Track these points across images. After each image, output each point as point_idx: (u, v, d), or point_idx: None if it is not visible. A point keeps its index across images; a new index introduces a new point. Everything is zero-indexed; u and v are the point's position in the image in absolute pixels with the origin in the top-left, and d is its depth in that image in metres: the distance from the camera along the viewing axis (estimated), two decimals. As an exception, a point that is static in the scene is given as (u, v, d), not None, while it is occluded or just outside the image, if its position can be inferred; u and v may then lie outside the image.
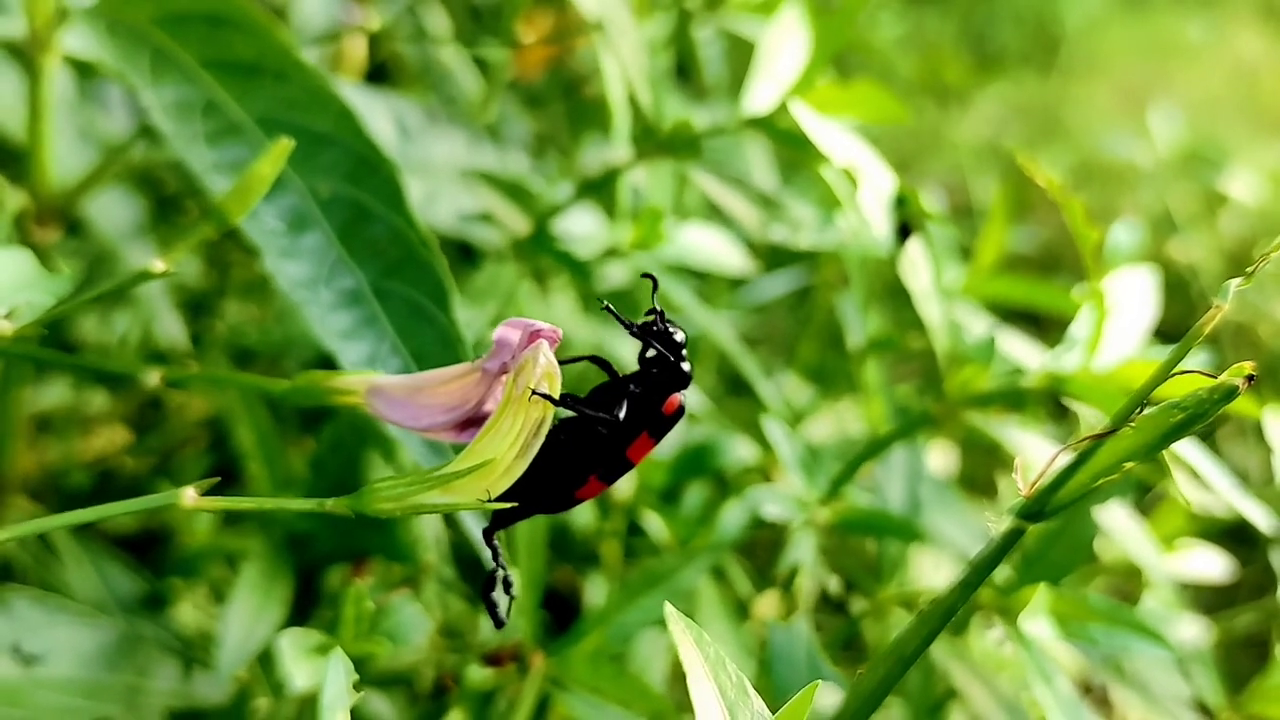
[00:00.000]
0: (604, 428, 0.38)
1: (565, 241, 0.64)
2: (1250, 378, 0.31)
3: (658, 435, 0.39)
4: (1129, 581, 0.91)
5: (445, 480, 0.35)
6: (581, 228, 0.70)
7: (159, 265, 0.41)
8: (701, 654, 0.36)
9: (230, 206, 0.41)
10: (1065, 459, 0.33)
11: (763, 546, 0.87)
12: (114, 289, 0.42)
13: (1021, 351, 0.69)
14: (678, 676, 0.79)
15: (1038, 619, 0.49)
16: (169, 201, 0.95)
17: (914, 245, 0.56)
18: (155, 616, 0.74)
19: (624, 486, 0.74)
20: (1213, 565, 0.78)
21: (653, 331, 0.38)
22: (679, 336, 0.38)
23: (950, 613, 0.34)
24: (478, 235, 0.64)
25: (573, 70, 1.24)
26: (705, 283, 1.12)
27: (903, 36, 2.62)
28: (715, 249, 0.68)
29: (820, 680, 0.35)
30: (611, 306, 0.39)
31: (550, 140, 1.02)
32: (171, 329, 0.87)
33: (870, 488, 0.64)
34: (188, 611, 0.78)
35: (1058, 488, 0.32)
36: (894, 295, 1.16)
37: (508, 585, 0.40)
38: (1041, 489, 0.33)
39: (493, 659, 0.62)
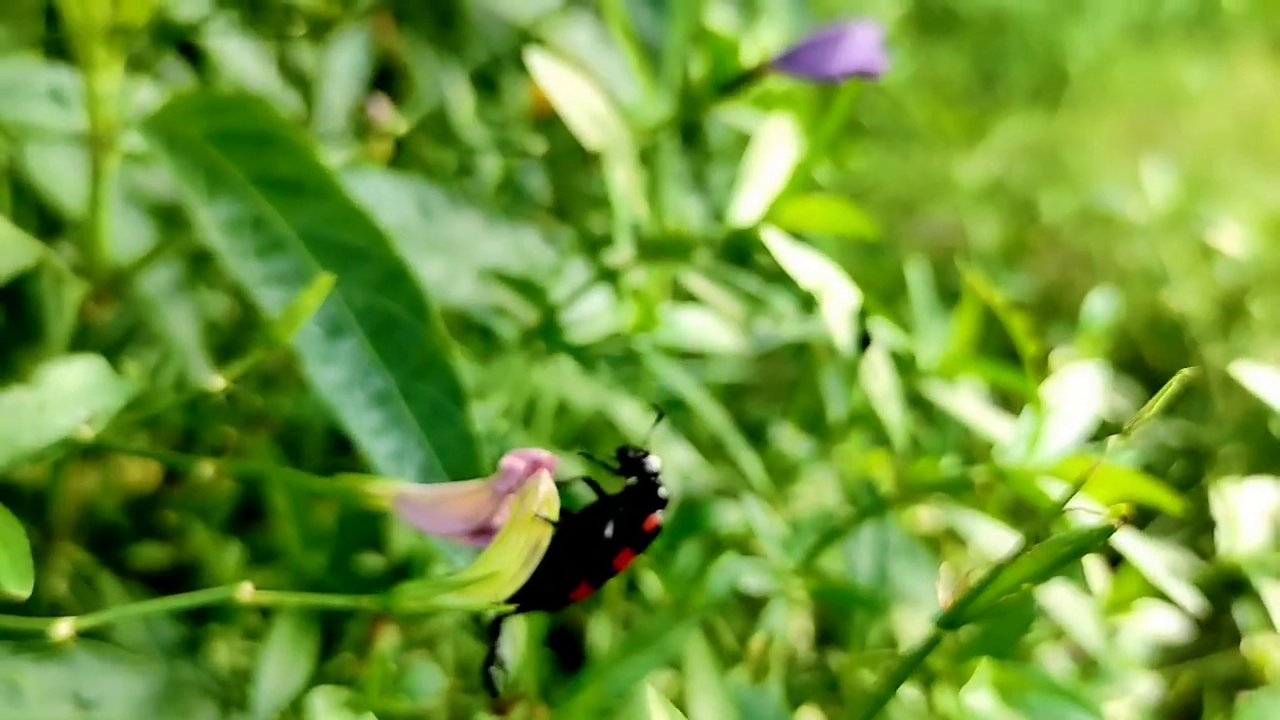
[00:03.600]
0: (593, 544, 0.45)
1: (571, 325, 0.71)
2: (1125, 518, 0.37)
3: (639, 549, 0.46)
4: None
5: (461, 585, 0.42)
6: (590, 307, 0.77)
7: (219, 383, 0.48)
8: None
9: (280, 331, 0.48)
10: (978, 574, 0.40)
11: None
12: (176, 403, 0.49)
13: (992, 426, 0.76)
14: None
15: (979, 692, 0.55)
16: (202, 258, 1.02)
17: (874, 352, 0.62)
18: (193, 657, 0.81)
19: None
20: (1170, 624, 0.84)
21: (632, 462, 0.45)
22: (655, 464, 0.45)
23: (881, 701, 0.41)
24: (491, 323, 0.71)
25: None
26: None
27: (914, 73, 2.67)
28: (708, 331, 0.75)
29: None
30: (590, 454, 0.46)
31: (565, 208, 1.09)
32: (203, 374, 0.94)
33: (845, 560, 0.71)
34: (222, 651, 0.85)
35: (969, 602, 0.39)
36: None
37: (503, 663, 0.47)
38: (957, 603, 0.40)
39: (499, 708, 0.69)
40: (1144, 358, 1.83)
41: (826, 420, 1.11)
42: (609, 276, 0.66)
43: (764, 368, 1.46)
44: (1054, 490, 0.62)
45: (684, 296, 0.79)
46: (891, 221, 2.06)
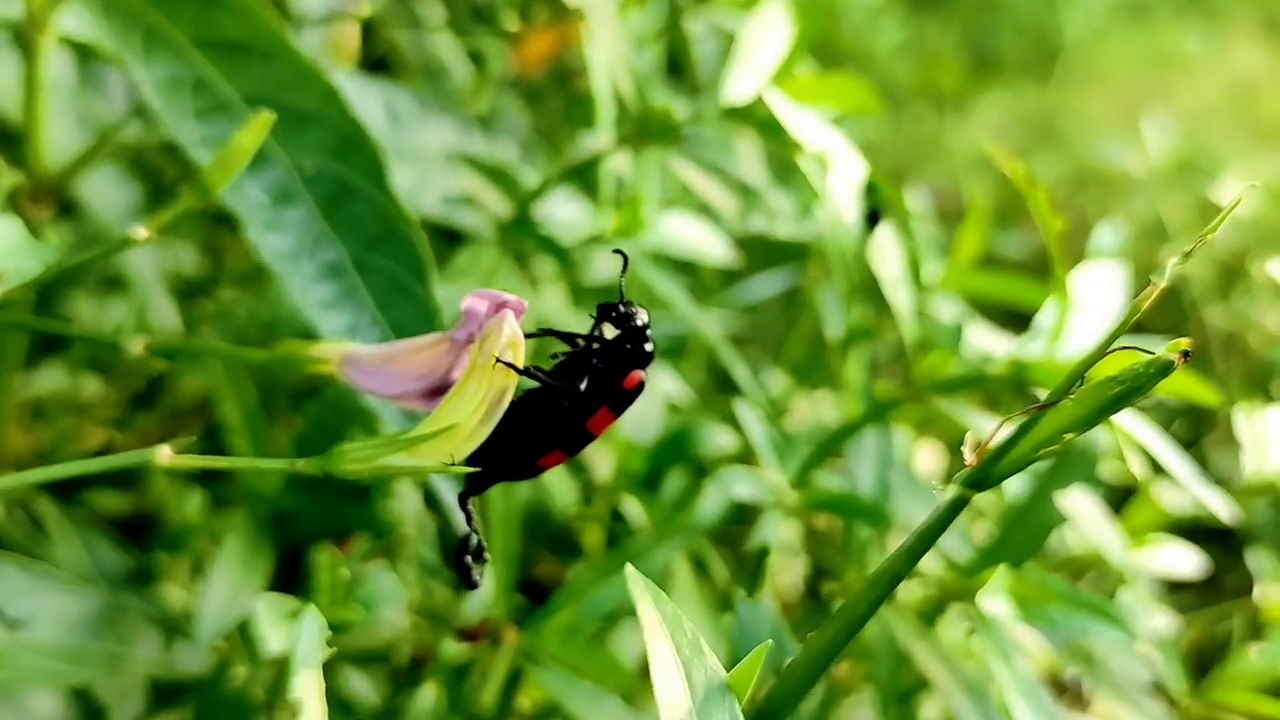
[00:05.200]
0: (565, 399, 0.39)
1: (547, 227, 0.66)
2: (1186, 354, 0.32)
3: (618, 410, 0.40)
4: (1105, 579, 0.92)
5: (411, 443, 0.36)
6: (564, 215, 0.71)
7: (142, 232, 0.43)
8: (660, 612, 0.37)
9: (214, 176, 0.43)
10: (1008, 431, 0.34)
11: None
12: (100, 256, 0.43)
13: (994, 344, 0.70)
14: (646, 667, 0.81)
15: (996, 598, 0.50)
16: (165, 189, 0.96)
17: (883, 232, 0.57)
18: (140, 591, 0.75)
19: (603, 470, 0.75)
20: (1184, 561, 0.79)
21: (615, 312, 0.39)
22: (642, 318, 0.40)
23: (897, 578, 0.35)
24: (462, 221, 0.65)
25: (570, 66, 1.25)
26: (695, 280, 1.13)
27: (903, 44, 2.63)
28: (697, 238, 0.70)
29: (781, 649, 0.36)
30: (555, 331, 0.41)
31: (546, 134, 1.04)
32: (165, 314, 0.89)
33: (845, 475, 0.66)
34: (175, 592, 0.79)
35: (1000, 458, 0.34)
36: (876, 294, 1.18)
37: (480, 551, 0.41)
38: (985, 459, 0.34)
39: (468, 634, 0.63)
40: (1142, 319, 1.78)
41: (818, 365, 1.06)
42: (587, 166, 0.60)
43: (754, 320, 1.42)
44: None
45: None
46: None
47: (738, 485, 0.58)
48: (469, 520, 0.40)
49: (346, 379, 0.41)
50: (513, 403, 0.37)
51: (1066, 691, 0.80)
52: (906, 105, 2.42)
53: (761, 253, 1.24)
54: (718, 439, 0.74)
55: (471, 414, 0.36)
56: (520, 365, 0.36)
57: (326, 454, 0.37)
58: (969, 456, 0.35)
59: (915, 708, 0.73)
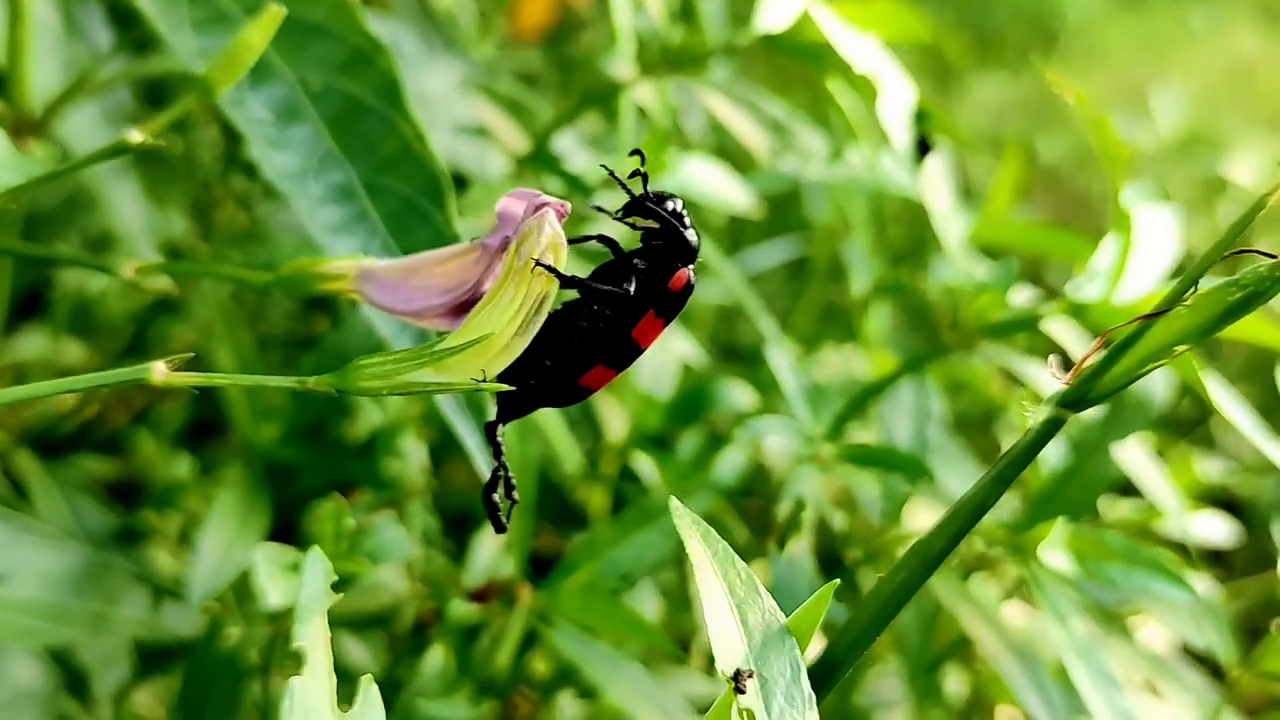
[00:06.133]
0: (609, 306, 0.35)
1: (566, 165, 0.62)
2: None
3: (667, 315, 0.36)
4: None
5: (438, 357, 0.32)
6: (578, 163, 0.67)
7: (136, 136, 0.39)
8: (710, 550, 0.33)
9: (216, 75, 0.39)
10: (1105, 349, 0.31)
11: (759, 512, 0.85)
12: (92, 161, 0.39)
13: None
14: (666, 627, 0.77)
15: (1056, 552, 0.46)
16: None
17: (933, 162, 0.53)
18: (127, 552, 0.71)
19: (617, 427, 0.71)
20: (1218, 529, 0.76)
21: (650, 202, 0.36)
22: (677, 205, 0.36)
23: (982, 509, 0.31)
24: (475, 165, 0.61)
25: (570, 28, 1.21)
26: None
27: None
28: (719, 184, 0.66)
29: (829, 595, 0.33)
30: (612, 170, 0.36)
31: (554, 86, 1.00)
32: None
33: (875, 433, 0.62)
34: (163, 557, 0.75)
35: (1102, 373, 0.30)
36: (896, 259, 1.14)
37: (510, 488, 0.37)
38: (1084, 375, 0.30)
39: (478, 595, 0.60)
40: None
41: (827, 335, 1.03)
42: (606, 98, 0.56)
43: (759, 290, 1.38)
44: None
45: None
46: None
47: (770, 435, 0.54)
48: (498, 453, 0.36)
49: (362, 297, 0.37)
50: (551, 315, 0.34)
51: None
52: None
53: (764, 223, 1.21)
54: (737, 396, 0.70)
55: (507, 324, 0.32)
56: (561, 268, 0.32)
57: (342, 371, 0.33)
58: (1062, 377, 0.31)
59: (939, 680, 0.70)
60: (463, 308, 0.35)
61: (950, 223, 0.54)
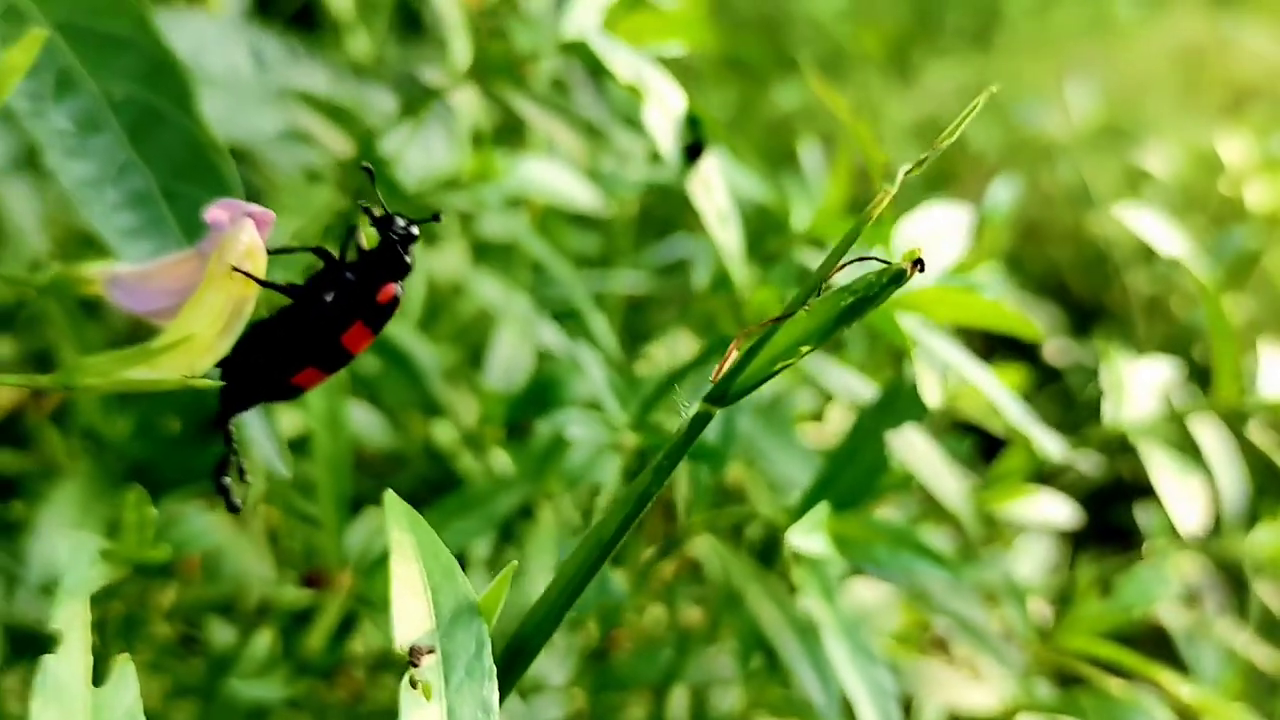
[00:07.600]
0: (315, 313, 0.38)
1: (400, 170, 0.64)
2: (918, 262, 0.31)
3: (375, 325, 0.39)
4: (995, 536, 0.92)
5: (149, 355, 0.35)
6: (421, 161, 0.70)
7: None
8: (414, 537, 0.36)
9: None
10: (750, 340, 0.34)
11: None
12: None
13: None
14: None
15: (810, 536, 0.49)
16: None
17: (707, 165, 0.56)
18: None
19: (468, 415, 0.74)
20: (1058, 511, 0.79)
21: (379, 221, 0.39)
22: (400, 228, 0.39)
23: (645, 497, 0.34)
24: (293, 168, 0.64)
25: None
26: (606, 239, 1.12)
27: (846, 9, 2.62)
28: (558, 183, 0.68)
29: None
30: (371, 168, 0.40)
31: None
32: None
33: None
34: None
35: (739, 371, 0.33)
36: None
37: (242, 473, 0.40)
38: (724, 374, 0.33)
39: (310, 579, 0.62)
40: (1067, 284, 1.79)
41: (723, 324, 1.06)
42: (423, 102, 0.59)
43: (667, 282, 1.41)
44: (909, 324, 0.56)
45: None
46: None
47: (573, 426, 0.57)
48: (228, 441, 0.40)
49: (114, 300, 0.40)
50: (264, 318, 0.36)
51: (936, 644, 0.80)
52: (849, 73, 2.42)
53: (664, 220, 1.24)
54: (585, 388, 0.73)
55: (209, 325, 0.35)
56: (261, 275, 0.35)
57: (66, 369, 0.36)
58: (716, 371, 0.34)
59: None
60: (190, 309, 0.38)
61: (726, 227, 0.57)
